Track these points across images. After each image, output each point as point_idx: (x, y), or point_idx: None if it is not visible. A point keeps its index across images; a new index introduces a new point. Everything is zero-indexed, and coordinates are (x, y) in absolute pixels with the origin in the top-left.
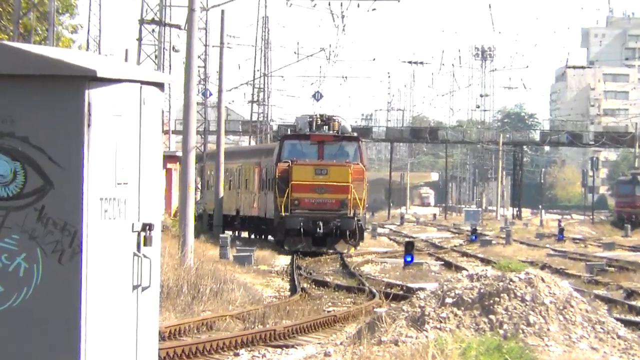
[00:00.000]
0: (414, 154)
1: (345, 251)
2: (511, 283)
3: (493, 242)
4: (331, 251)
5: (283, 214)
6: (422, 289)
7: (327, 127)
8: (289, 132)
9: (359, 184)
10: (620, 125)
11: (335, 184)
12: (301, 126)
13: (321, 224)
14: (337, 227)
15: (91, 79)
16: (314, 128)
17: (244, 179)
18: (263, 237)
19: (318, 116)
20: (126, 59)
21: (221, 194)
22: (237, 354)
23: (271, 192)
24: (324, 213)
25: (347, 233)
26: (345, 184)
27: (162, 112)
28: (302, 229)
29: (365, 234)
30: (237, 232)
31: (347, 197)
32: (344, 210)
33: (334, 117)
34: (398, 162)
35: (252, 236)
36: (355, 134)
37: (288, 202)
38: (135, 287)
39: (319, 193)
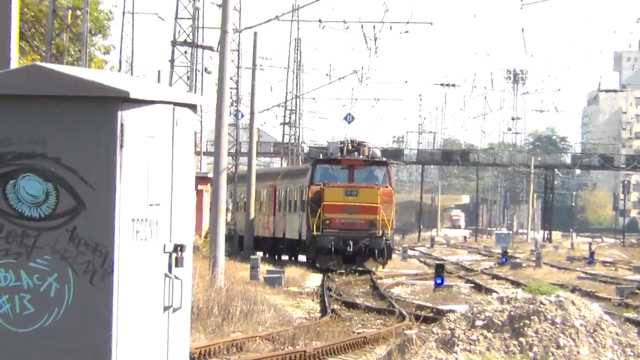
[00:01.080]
0: (445, 176)
1: (374, 269)
2: (541, 306)
3: (523, 264)
4: (360, 269)
5: (315, 233)
6: (452, 311)
7: (357, 152)
8: (320, 157)
9: (387, 205)
10: None
11: (364, 204)
12: (332, 151)
13: (351, 242)
14: (366, 246)
15: (124, 100)
16: (345, 153)
17: (279, 200)
18: (293, 258)
19: (349, 141)
20: (158, 80)
21: (252, 215)
22: None
23: (303, 213)
24: (354, 233)
25: (376, 252)
26: (374, 204)
27: (195, 133)
28: (333, 248)
29: (396, 256)
30: (267, 254)
31: (376, 218)
32: (373, 230)
33: (364, 143)
34: (429, 185)
35: (282, 257)
36: (385, 159)
37: (320, 222)
38: (166, 308)
39: (349, 213)
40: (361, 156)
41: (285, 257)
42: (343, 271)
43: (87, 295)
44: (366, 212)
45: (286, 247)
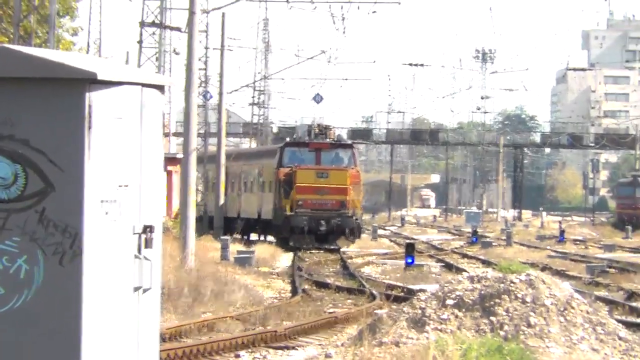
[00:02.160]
0: (414, 155)
1: (345, 247)
2: (512, 284)
3: (494, 243)
4: (332, 247)
5: (288, 213)
6: (423, 291)
7: (324, 135)
8: (287, 140)
9: (355, 186)
10: (620, 128)
11: (335, 186)
12: (300, 134)
13: (323, 222)
14: (337, 225)
15: (92, 81)
16: (312, 136)
17: (243, 182)
18: (263, 237)
19: (316, 125)
20: (127, 62)
21: (221, 195)
22: (237, 356)
23: (271, 194)
24: (326, 213)
25: (347, 231)
26: (344, 186)
27: (163, 114)
28: (306, 227)
29: (366, 235)
30: (238, 234)
31: (346, 198)
32: (343, 210)
33: (330, 127)
34: (399, 164)
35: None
36: (350, 142)
37: (293, 203)
38: (136, 289)
39: (321, 194)
40: (328, 139)
41: (254, 237)
42: (314, 250)
43: (56, 276)
44: (336, 193)
45: (267, 227)
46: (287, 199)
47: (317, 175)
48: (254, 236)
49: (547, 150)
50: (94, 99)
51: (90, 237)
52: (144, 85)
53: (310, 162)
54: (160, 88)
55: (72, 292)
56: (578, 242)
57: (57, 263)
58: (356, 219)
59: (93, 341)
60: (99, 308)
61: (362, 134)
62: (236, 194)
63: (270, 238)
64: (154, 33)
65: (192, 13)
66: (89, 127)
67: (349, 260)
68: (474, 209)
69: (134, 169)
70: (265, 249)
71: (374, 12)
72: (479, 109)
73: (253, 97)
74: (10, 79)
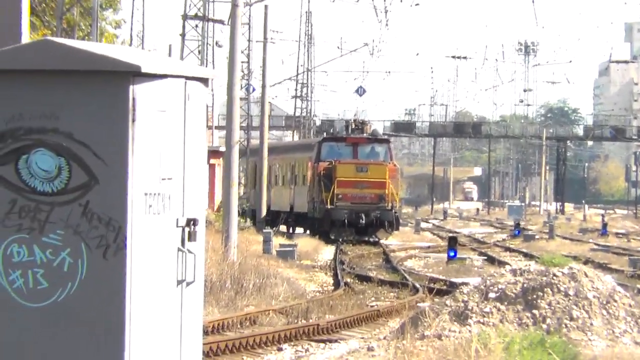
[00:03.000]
0: (457, 148)
1: (384, 239)
2: (554, 278)
3: (536, 236)
4: (372, 239)
5: (329, 206)
6: (466, 284)
7: (360, 130)
8: (324, 135)
9: (393, 180)
10: None
11: (374, 180)
12: (338, 129)
13: (363, 215)
14: (377, 218)
15: (135, 74)
16: (349, 131)
17: (283, 175)
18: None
19: (352, 121)
20: (170, 55)
21: (264, 189)
22: (280, 349)
23: (305, 187)
24: (365, 206)
25: (386, 223)
26: (383, 180)
27: (207, 107)
28: (346, 220)
29: (409, 228)
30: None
31: (385, 192)
32: (382, 203)
33: (366, 122)
34: (441, 157)
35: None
36: (386, 137)
37: (333, 196)
38: (179, 282)
39: (360, 188)
40: (364, 134)
41: (299, 230)
42: (356, 243)
43: (100, 269)
44: (376, 187)
45: (295, 220)
46: (328, 192)
47: (357, 170)
48: (299, 229)
49: (590, 143)
50: (138, 92)
51: (134, 231)
52: (187, 78)
53: (348, 157)
54: (204, 81)
55: (115, 286)
56: (621, 235)
57: (100, 256)
58: (395, 212)
59: (136, 335)
60: (142, 301)
61: (404, 127)
62: (281, 187)
63: (299, 230)
64: (196, 26)
65: (234, 5)
66: (133, 120)
67: (392, 254)
68: (517, 202)
69: (178, 162)
70: (308, 242)
71: (417, 4)
72: (521, 101)
73: (295, 90)
74: (54, 72)
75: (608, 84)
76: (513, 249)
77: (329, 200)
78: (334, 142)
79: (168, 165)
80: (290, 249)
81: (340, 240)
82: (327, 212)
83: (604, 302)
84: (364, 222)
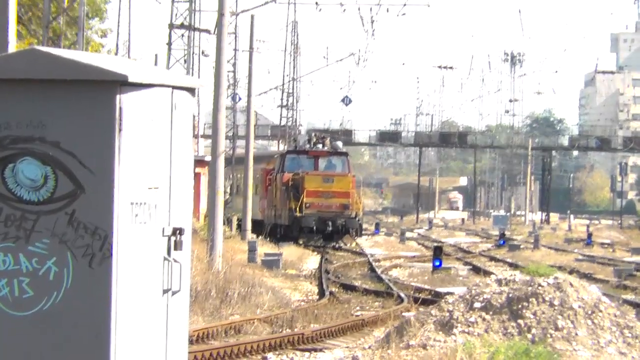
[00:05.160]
0: (442, 158)
1: (348, 244)
2: (540, 288)
3: (521, 246)
4: (338, 245)
5: (298, 214)
6: (451, 294)
7: (321, 144)
8: (287, 149)
9: (356, 190)
10: None
11: (339, 190)
12: (301, 143)
13: (330, 223)
14: (342, 226)
15: (122, 83)
16: (311, 145)
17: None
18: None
19: (314, 135)
20: (156, 64)
21: (249, 198)
22: (265, 358)
23: (271, 196)
24: (332, 214)
25: (350, 230)
26: (347, 190)
27: (193, 116)
28: (314, 227)
29: (393, 238)
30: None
31: (349, 201)
32: (347, 211)
33: (325, 136)
34: (427, 167)
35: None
36: (345, 150)
37: (302, 205)
38: (165, 291)
39: (326, 198)
40: (325, 148)
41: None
42: (322, 246)
43: (86, 278)
44: (341, 196)
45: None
46: (296, 201)
47: (323, 180)
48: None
49: (575, 153)
50: (125, 101)
51: (120, 240)
52: (174, 87)
53: (309, 168)
54: (191, 90)
55: (101, 295)
56: (606, 245)
57: (86, 265)
58: (358, 220)
59: (122, 344)
60: (128, 310)
61: (390, 137)
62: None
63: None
64: (182, 35)
65: (221, 15)
66: (120, 130)
67: (377, 263)
68: (502, 212)
69: (164, 171)
70: (293, 252)
71: (403, 14)
72: (507, 111)
73: (282, 99)
74: (41, 81)
75: (594, 95)
76: (498, 259)
77: (297, 208)
78: (296, 154)
79: (154, 174)
80: (276, 258)
81: (308, 244)
82: (296, 220)
83: (589, 312)
84: (330, 228)
